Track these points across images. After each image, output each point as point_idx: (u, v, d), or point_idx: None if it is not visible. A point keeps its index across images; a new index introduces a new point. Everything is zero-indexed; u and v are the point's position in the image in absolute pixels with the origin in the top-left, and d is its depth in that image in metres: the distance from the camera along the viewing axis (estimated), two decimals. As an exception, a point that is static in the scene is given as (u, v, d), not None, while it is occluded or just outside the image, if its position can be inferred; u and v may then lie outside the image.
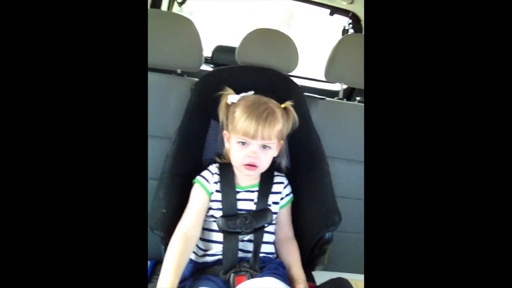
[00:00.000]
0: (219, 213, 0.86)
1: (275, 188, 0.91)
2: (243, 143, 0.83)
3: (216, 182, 0.88)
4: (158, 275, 1.01)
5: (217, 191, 0.87)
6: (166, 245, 0.81)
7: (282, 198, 0.92)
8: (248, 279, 0.78)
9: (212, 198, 0.87)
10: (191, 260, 0.85)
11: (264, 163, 0.85)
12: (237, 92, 0.90)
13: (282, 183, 0.93)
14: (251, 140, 0.82)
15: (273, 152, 0.86)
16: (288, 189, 0.94)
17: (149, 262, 1.05)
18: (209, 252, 0.85)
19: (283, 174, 0.95)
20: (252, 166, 0.83)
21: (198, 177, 0.89)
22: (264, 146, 0.83)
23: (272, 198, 0.90)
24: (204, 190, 0.87)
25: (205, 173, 0.90)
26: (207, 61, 1.83)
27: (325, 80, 1.26)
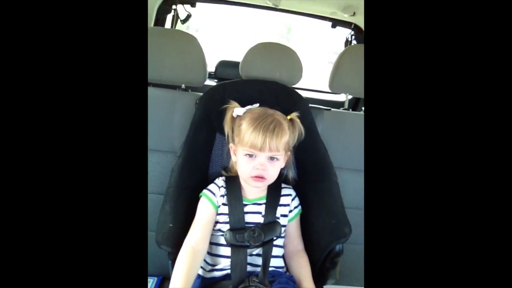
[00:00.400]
0: (226, 227, 0.85)
1: (283, 200, 0.90)
2: (251, 156, 0.82)
3: (222, 195, 0.87)
4: (165, 291, 0.99)
5: (223, 204, 0.86)
6: (173, 260, 0.79)
7: (290, 211, 0.91)
8: None
9: (219, 212, 0.86)
10: (198, 275, 0.84)
11: (272, 175, 0.84)
12: (242, 105, 0.91)
13: (290, 195, 0.92)
14: (258, 152, 0.81)
15: (280, 163, 0.86)
16: (296, 201, 0.93)
17: (156, 278, 1.03)
18: (217, 267, 0.84)
19: (290, 186, 0.94)
20: (260, 178, 0.82)
21: (204, 191, 0.88)
22: (272, 158, 0.83)
23: (280, 210, 0.89)
24: (211, 203, 0.86)
25: (211, 186, 0.89)
26: (211, 76, 1.85)
27: (329, 91, 1.26)
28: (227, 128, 0.91)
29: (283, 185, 0.93)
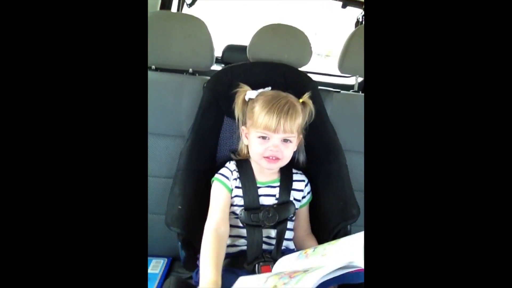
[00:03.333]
0: (239, 209, 0.85)
1: (297, 185, 0.90)
2: (264, 137, 0.82)
3: (235, 179, 0.87)
4: (176, 271, 1.02)
5: (236, 187, 0.86)
6: (182, 241, 0.81)
7: (303, 197, 0.91)
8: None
9: (232, 195, 0.86)
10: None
11: (286, 156, 0.84)
12: (251, 87, 0.90)
13: (303, 181, 0.92)
14: (272, 134, 0.81)
15: (293, 145, 0.85)
16: (309, 188, 0.93)
17: (166, 259, 1.05)
18: (230, 245, 0.85)
19: (301, 172, 0.94)
20: (274, 159, 0.82)
21: (217, 175, 0.88)
22: (285, 140, 0.82)
23: (294, 194, 0.89)
24: (225, 187, 0.86)
25: (223, 170, 0.89)
26: (218, 61, 1.83)
27: (338, 74, 1.24)
28: (238, 112, 0.90)
29: (294, 171, 0.92)
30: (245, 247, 0.83)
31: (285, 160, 0.85)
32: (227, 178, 0.87)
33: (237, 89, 0.90)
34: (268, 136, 0.82)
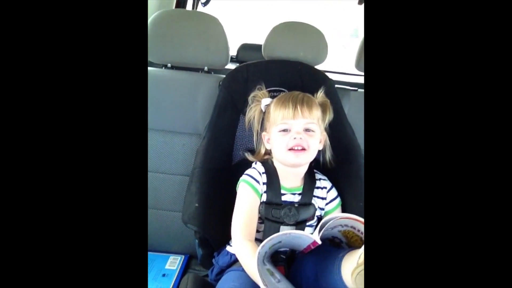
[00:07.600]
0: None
1: (318, 193, 0.87)
2: (285, 130, 0.81)
3: (264, 183, 0.83)
4: (193, 268, 1.02)
5: (265, 192, 0.83)
6: (199, 239, 0.80)
7: (327, 204, 0.88)
8: (286, 269, 0.76)
9: (261, 200, 0.83)
10: (227, 252, 0.84)
11: (312, 147, 0.80)
12: (266, 86, 0.91)
13: (325, 187, 0.88)
14: (292, 121, 0.80)
15: (317, 137, 0.82)
16: (333, 193, 0.89)
17: (183, 256, 1.06)
18: None
19: (325, 178, 0.91)
20: (299, 150, 0.79)
21: (246, 177, 0.83)
22: (307, 130, 0.80)
23: (317, 201, 0.86)
24: (255, 192, 0.82)
25: (252, 172, 0.85)
26: (233, 60, 1.83)
27: (355, 73, 1.22)
28: (256, 125, 0.90)
29: (318, 176, 0.89)
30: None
31: (312, 152, 0.81)
32: (257, 181, 0.83)
33: (253, 96, 0.90)
34: (289, 127, 0.80)
